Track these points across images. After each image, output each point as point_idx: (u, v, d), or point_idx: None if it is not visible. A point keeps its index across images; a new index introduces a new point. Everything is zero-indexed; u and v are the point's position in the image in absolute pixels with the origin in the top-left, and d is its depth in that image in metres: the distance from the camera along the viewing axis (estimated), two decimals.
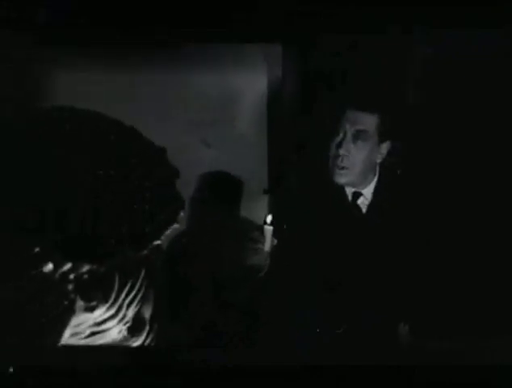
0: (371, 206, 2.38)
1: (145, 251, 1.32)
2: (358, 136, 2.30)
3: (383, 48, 2.92)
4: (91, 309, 1.35)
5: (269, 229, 2.19)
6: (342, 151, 2.30)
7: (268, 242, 2.21)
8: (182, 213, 1.39)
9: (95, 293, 1.33)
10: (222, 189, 3.16)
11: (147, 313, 1.58)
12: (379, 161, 2.38)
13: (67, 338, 1.40)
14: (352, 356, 1.92)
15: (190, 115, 3.26)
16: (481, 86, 2.82)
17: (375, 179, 2.39)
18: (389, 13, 2.34)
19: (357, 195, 2.39)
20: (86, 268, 1.27)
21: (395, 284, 2.25)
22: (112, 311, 1.43)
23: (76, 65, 3.08)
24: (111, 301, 1.40)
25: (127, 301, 1.45)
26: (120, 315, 1.46)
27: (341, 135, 2.31)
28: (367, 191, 2.39)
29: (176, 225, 1.37)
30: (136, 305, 1.49)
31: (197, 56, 3.16)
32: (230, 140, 3.26)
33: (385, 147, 2.37)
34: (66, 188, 1.25)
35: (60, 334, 1.32)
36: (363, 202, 2.39)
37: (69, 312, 1.31)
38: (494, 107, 2.80)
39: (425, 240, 2.31)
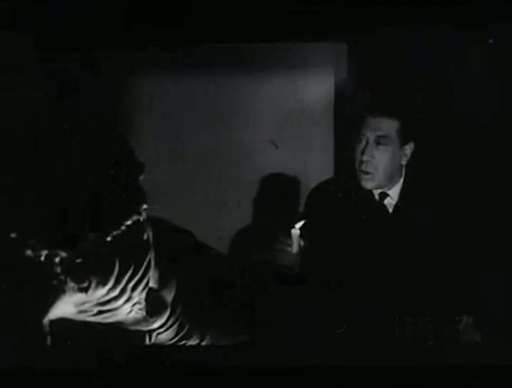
0: (397, 207, 2.40)
1: (108, 238, 1.38)
2: (380, 141, 2.30)
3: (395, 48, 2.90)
4: (85, 290, 1.41)
5: (296, 231, 2.20)
6: (365, 157, 2.31)
7: (296, 244, 2.22)
8: (144, 206, 1.46)
9: (85, 276, 1.39)
10: (287, 189, 3.15)
11: (168, 296, 1.67)
12: (404, 163, 2.39)
13: (75, 314, 1.47)
14: (352, 356, 1.92)
15: (258, 115, 3.24)
16: (503, 84, 2.80)
17: (401, 180, 2.40)
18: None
19: (383, 195, 2.41)
20: (63, 254, 1.34)
21: (417, 283, 2.26)
22: (115, 293, 1.48)
23: (152, 67, 3.10)
24: (111, 284, 1.45)
25: (131, 285, 1.51)
26: (125, 297, 1.51)
27: (363, 141, 2.32)
28: (394, 192, 2.40)
29: (138, 217, 1.44)
30: (143, 288, 1.55)
31: (263, 57, 3.15)
32: (297, 140, 3.23)
33: (409, 149, 2.37)
34: (42, 182, 1.32)
35: (47, 309, 1.38)
36: (390, 203, 2.41)
37: (58, 291, 1.37)
38: None
39: (451, 240, 2.30)
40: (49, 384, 1.55)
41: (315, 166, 3.08)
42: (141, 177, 1.47)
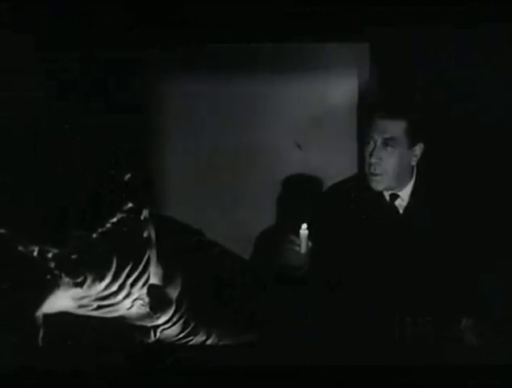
0: (408, 208, 2.41)
1: (94, 235, 1.44)
2: (387, 143, 2.28)
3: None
4: (80, 285, 1.46)
5: (305, 232, 2.23)
6: (373, 159, 2.30)
7: (304, 245, 2.25)
8: (130, 204, 1.50)
9: (80, 271, 1.44)
10: (310, 190, 3.14)
11: (173, 293, 1.73)
12: (414, 163, 2.40)
13: (75, 308, 1.52)
14: (352, 356, 1.92)
15: (282, 116, 3.24)
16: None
17: (412, 181, 2.41)
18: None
19: (394, 196, 2.41)
20: (53, 250, 1.40)
21: (418, 283, 2.27)
22: (114, 288, 1.54)
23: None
24: (108, 280, 1.51)
25: (130, 281, 1.56)
26: (124, 292, 1.57)
27: (371, 144, 2.34)
28: (404, 193, 2.39)
29: (123, 215, 1.48)
30: (143, 284, 1.60)
31: (286, 58, 3.15)
32: (321, 141, 3.23)
33: (418, 149, 2.36)
34: (29, 180, 1.36)
35: (41, 303, 1.44)
36: (400, 204, 2.41)
37: (53, 286, 1.43)
38: None
39: (453, 241, 2.32)
40: (49, 384, 1.56)
41: (338, 168, 3.07)
42: (127, 177, 1.51)
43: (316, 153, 3.15)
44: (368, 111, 2.41)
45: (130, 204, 1.50)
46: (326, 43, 3.00)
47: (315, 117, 3.16)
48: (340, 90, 3.17)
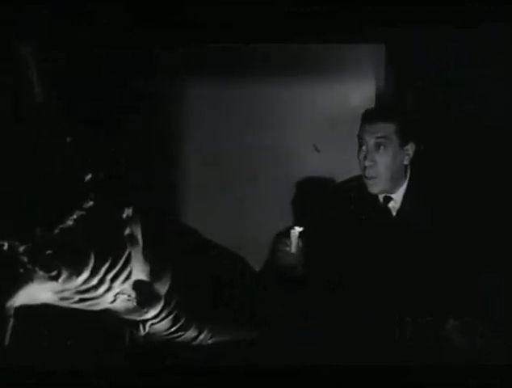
0: (401, 210, 2.43)
1: (56, 231, 1.46)
2: (379, 144, 2.32)
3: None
4: (55, 279, 1.48)
5: (295, 232, 2.26)
6: (367, 162, 2.32)
7: (294, 245, 2.27)
8: (90, 202, 1.52)
9: (54, 266, 1.46)
10: (319, 192, 3.14)
11: (161, 289, 1.74)
12: (406, 163, 2.41)
13: (57, 301, 1.54)
14: (352, 356, 1.92)
15: (299, 118, 3.25)
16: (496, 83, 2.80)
17: (406, 183, 2.43)
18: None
19: (388, 199, 2.43)
20: (19, 244, 1.42)
21: (418, 283, 2.28)
22: (93, 282, 1.56)
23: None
24: (87, 274, 1.53)
25: (110, 276, 1.58)
26: (104, 287, 1.59)
27: (364, 147, 2.37)
28: (397, 196, 2.41)
29: (81, 212, 1.50)
30: (125, 280, 1.62)
31: (302, 59, 3.16)
32: (339, 143, 3.23)
33: (410, 148, 2.38)
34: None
35: (11, 295, 1.46)
36: (394, 206, 2.43)
37: (26, 279, 1.45)
38: None
39: (452, 241, 2.33)
40: (49, 384, 1.56)
41: (349, 169, 3.07)
42: (88, 177, 1.53)
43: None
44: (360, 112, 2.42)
45: (91, 203, 1.52)
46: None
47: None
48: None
